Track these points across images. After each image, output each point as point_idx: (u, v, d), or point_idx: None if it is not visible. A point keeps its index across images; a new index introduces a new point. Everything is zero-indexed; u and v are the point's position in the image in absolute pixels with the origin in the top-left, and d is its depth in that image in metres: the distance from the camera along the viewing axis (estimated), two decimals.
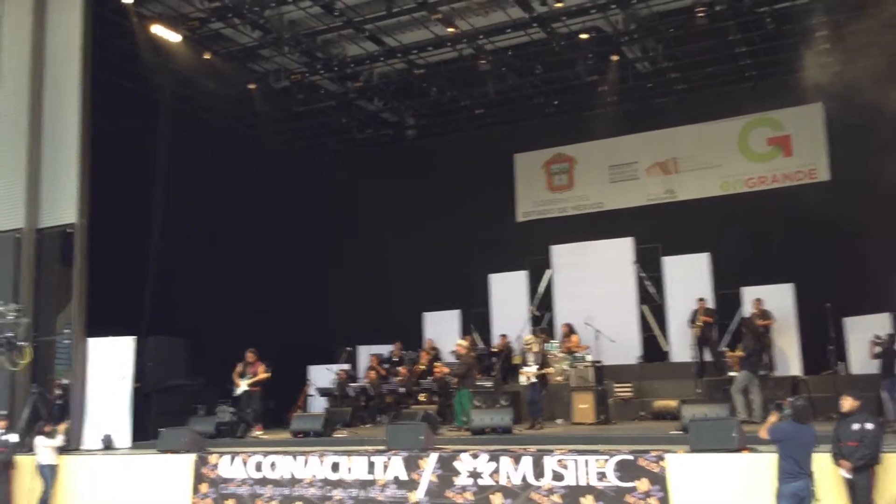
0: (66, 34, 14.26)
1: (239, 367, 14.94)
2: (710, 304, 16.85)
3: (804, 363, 16.21)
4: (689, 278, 17.76)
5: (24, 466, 12.55)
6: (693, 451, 9.78)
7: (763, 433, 8.70)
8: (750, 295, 16.63)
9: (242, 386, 14.79)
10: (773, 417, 8.74)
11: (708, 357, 16.20)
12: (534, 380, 13.96)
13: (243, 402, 14.91)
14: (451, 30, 17.10)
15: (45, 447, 12.42)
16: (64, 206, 13.82)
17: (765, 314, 15.98)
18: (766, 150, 20.10)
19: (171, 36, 16.33)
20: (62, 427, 12.88)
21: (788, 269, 17.15)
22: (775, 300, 16.43)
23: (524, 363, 14.40)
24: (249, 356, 15.01)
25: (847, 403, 8.90)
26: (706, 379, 15.12)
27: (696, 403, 13.13)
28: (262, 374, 15.01)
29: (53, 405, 13.65)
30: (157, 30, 16.16)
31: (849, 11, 16.03)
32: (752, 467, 9.12)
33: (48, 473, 12.37)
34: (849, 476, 8.58)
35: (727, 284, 17.50)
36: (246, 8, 16.16)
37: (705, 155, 20.54)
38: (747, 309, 16.43)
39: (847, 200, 17.57)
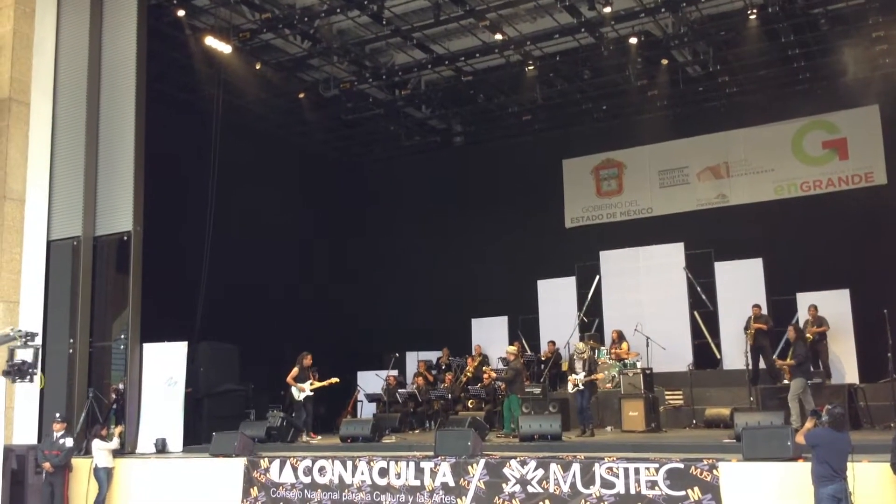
0: (121, 47, 14.59)
1: (295, 371, 14.66)
2: (765, 310, 16.55)
3: (861, 371, 15.82)
4: (741, 284, 17.46)
5: (81, 469, 12.81)
6: (746, 459, 9.61)
7: (800, 439, 8.79)
8: (805, 301, 16.31)
9: (307, 391, 14.65)
10: (809, 424, 8.81)
11: (762, 364, 15.91)
12: (581, 387, 13.86)
13: (299, 406, 14.79)
14: (498, 36, 17.11)
15: (101, 450, 12.67)
16: (120, 215, 14.11)
17: (819, 321, 15.65)
18: (822, 154, 19.72)
19: (223, 47, 16.62)
20: (117, 430, 13.16)
21: (844, 275, 16.79)
22: (831, 306, 16.08)
23: (571, 370, 14.23)
24: (309, 360, 14.85)
25: None
26: (760, 386, 14.83)
27: (749, 411, 12.95)
28: (332, 380, 14.95)
29: (109, 409, 13.93)
30: (210, 41, 16.46)
31: None
32: (808, 476, 8.90)
33: (103, 476, 12.61)
34: None
35: (781, 290, 17.18)
36: (296, 19, 16.41)
37: (758, 159, 20.24)
38: (804, 315, 16.13)
39: None
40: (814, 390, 13.30)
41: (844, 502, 8.24)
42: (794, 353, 12.66)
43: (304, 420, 14.74)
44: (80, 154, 14.45)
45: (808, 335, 15.56)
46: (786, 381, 13.42)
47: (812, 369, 15.06)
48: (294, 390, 14.71)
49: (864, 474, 8.72)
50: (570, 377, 14.10)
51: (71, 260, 14.31)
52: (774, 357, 15.25)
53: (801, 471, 8.98)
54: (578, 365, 14.00)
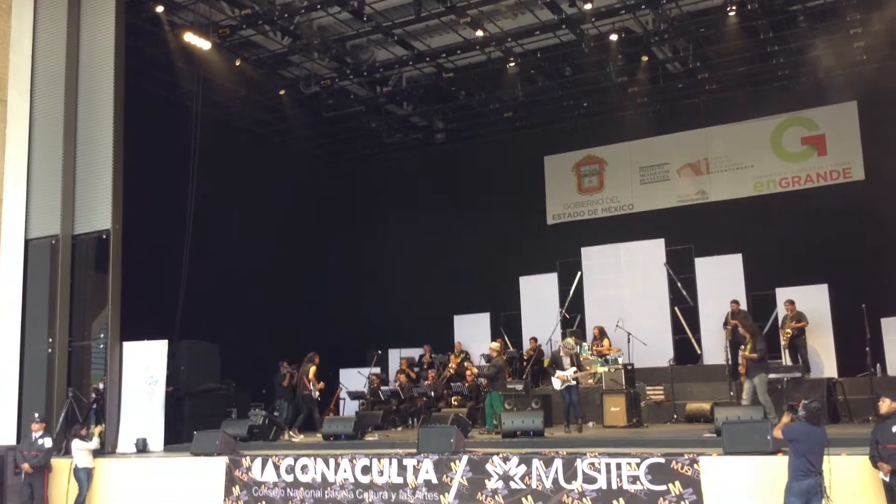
0: (99, 43, 14.45)
1: (314, 369, 15.14)
2: (744, 305, 16.66)
3: (839, 365, 15.97)
4: (721, 280, 17.58)
5: (61, 469, 12.71)
6: (727, 453, 9.67)
7: (777, 433, 8.85)
8: (784, 296, 16.43)
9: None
10: (786, 418, 8.84)
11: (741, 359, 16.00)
12: (572, 382, 13.78)
13: (314, 404, 15.30)
14: (479, 33, 17.10)
15: (81, 450, 12.57)
16: (98, 213, 13.98)
17: (798, 316, 15.77)
18: (800, 150, 19.87)
19: (203, 43, 16.52)
20: (97, 430, 13.05)
21: (823, 270, 16.93)
22: (810, 301, 16.21)
23: (557, 366, 14.03)
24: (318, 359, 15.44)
25: (885, 405, 8.76)
26: (740, 381, 14.92)
27: (729, 406, 13.01)
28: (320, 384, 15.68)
29: (89, 409, 13.81)
30: (189, 38, 16.35)
31: (883, 9, 15.79)
32: (784, 469, 9.00)
33: (84, 476, 12.50)
34: (887, 479, 8.43)
35: (761, 286, 17.31)
36: (276, 15, 16.31)
37: (737, 155, 20.37)
38: (782, 310, 16.26)
39: (883, 199, 17.40)
40: (793, 385, 13.43)
41: (819, 496, 8.32)
42: (754, 348, 12.76)
43: (308, 417, 15.14)
44: (59, 152, 14.32)
45: (787, 330, 15.72)
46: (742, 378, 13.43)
47: (791, 363, 15.25)
48: (313, 388, 15.09)
49: (844, 467, 8.83)
50: (558, 374, 13.89)
51: (49, 259, 14.18)
52: (741, 348, 15.15)
53: (782, 465, 9.03)
54: (567, 361, 13.91)
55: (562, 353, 14.11)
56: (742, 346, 13.30)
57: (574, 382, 13.74)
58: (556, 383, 13.91)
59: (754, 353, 12.72)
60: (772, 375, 13.64)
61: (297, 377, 15.41)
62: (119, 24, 14.34)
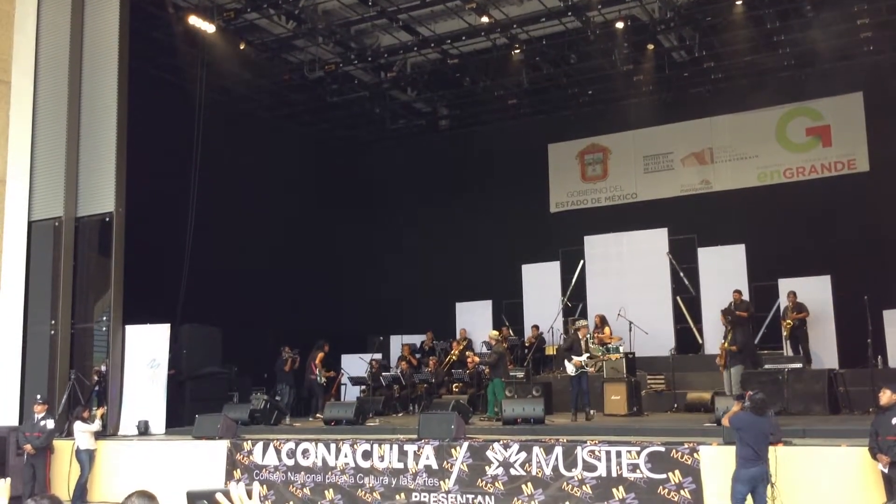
0: (103, 25, 14.42)
1: (322, 355, 15.69)
2: (746, 296, 16.64)
3: (841, 357, 15.97)
4: (724, 270, 17.58)
5: (63, 451, 12.76)
6: (726, 443, 9.66)
7: (725, 421, 9.16)
8: (787, 287, 16.41)
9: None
10: (735, 408, 9.11)
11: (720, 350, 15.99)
12: (586, 368, 13.69)
13: (320, 389, 16.02)
14: (485, 19, 17.03)
15: (83, 432, 12.61)
16: (102, 196, 14.00)
17: (799, 307, 15.76)
18: (805, 141, 19.79)
19: (207, 27, 16.47)
20: (99, 412, 13.10)
21: (826, 261, 16.92)
22: (812, 292, 16.20)
23: (573, 352, 13.86)
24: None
25: (885, 397, 8.79)
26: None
27: (729, 396, 13.02)
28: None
29: (91, 391, 13.86)
30: (193, 20, 16.30)
31: None
32: (785, 460, 9.03)
33: (85, 458, 12.55)
34: (886, 470, 8.45)
35: (763, 276, 17.30)
36: None
37: (742, 145, 20.30)
38: (784, 301, 16.25)
39: (887, 191, 17.36)
40: (794, 375, 13.44)
41: (764, 483, 8.59)
42: (734, 339, 12.79)
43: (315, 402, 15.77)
44: (62, 134, 14.31)
45: (788, 321, 15.72)
46: (733, 369, 13.43)
47: (793, 354, 15.26)
48: (319, 374, 15.65)
49: (843, 458, 8.88)
50: (574, 359, 13.66)
51: (52, 241, 14.21)
52: (722, 340, 15.08)
53: (779, 454, 9.09)
54: (583, 345, 13.87)
55: (580, 336, 14.00)
56: (723, 338, 13.32)
57: (587, 368, 13.69)
58: (571, 369, 13.71)
59: (734, 345, 12.77)
60: (772, 366, 13.67)
61: (307, 362, 15.60)
62: (123, 6, 14.30)
